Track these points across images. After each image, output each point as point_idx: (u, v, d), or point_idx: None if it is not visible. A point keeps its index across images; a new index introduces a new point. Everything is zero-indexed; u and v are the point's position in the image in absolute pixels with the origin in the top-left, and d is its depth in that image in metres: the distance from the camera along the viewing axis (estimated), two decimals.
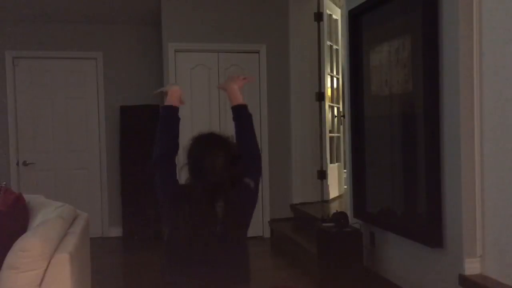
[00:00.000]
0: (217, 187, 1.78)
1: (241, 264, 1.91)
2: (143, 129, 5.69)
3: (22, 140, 5.82)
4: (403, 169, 3.41)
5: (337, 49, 6.16)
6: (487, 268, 2.75)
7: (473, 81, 2.78)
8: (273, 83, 5.69)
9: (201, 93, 5.59)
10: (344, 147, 5.66)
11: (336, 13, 6.13)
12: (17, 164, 5.78)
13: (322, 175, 5.74)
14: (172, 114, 2.12)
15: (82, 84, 5.99)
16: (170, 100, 2.15)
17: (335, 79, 6.11)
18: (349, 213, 3.99)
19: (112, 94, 5.99)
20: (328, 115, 5.90)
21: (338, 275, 3.59)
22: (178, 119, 2.12)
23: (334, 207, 5.28)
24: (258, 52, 5.68)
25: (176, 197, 1.85)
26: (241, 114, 2.13)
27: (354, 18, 3.92)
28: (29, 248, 2.26)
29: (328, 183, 5.78)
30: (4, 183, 3.98)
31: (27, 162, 5.80)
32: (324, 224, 3.81)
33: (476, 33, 2.77)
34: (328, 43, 5.83)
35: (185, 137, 5.69)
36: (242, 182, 1.89)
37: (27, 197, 3.09)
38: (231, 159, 1.85)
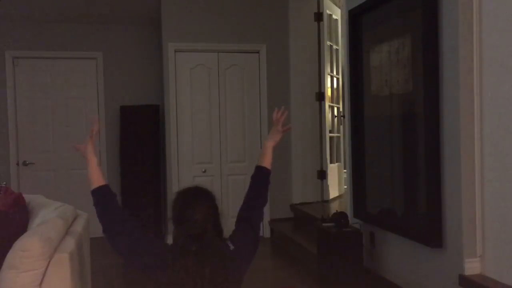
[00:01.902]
0: (200, 236, 1.77)
1: None
2: (143, 129, 5.69)
3: (22, 140, 5.82)
4: (403, 169, 3.41)
5: (337, 49, 6.16)
6: (487, 268, 2.75)
7: (473, 81, 2.78)
8: (273, 83, 5.69)
9: (201, 93, 5.59)
10: (344, 147, 5.66)
11: (336, 13, 6.13)
12: (17, 164, 5.78)
13: (322, 175, 5.74)
14: (106, 198, 1.98)
15: (82, 84, 5.99)
16: (93, 179, 2.01)
17: (335, 79, 6.11)
18: (349, 213, 3.99)
19: (112, 94, 5.99)
20: (328, 115, 5.90)
21: (338, 275, 3.59)
22: (114, 196, 2.00)
23: (334, 207, 5.28)
24: (258, 52, 5.68)
25: (160, 257, 1.82)
26: (262, 179, 2.15)
27: (354, 18, 3.92)
28: (29, 248, 2.26)
29: (328, 183, 5.78)
30: (4, 183, 3.99)
31: (27, 162, 5.80)
32: (324, 224, 3.81)
33: (476, 33, 2.77)
34: (328, 43, 5.83)
35: (185, 136, 5.71)
36: (224, 243, 1.88)
37: (27, 197, 3.09)
38: (213, 209, 1.87)
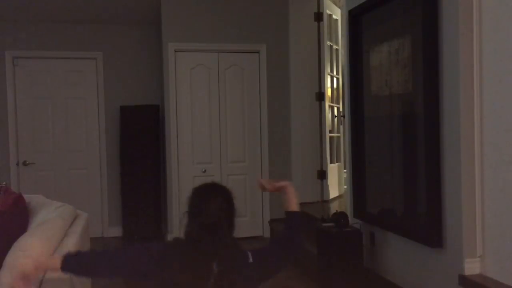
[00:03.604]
0: (213, 226, 1.79)
1: None
2: (143, 129, 5.69)
3: (22, 140, 5.82)
4: (403, 169, 3.41)
5: (337, 49, 6.15)
6: (487, 268, 2.75)
7: (473, 81, 2.78)
8: (273, 83, 5.69)
9: (201, 93, 5.59)
10: (344, 147, 5.65)
11: (336, 13, 6.13)
12: (17, 164, 5.78)
13: (322, 175, 5.73)
14: (77, 261, 1.82)
15: (82, 84, 5.99)
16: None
17: (335, 79, 6.11)
18: (349, 213, 3.99)
19: (112, 94, 5.98)
20: (328, 115, 5.90)
21: (338, 275, 3.58)
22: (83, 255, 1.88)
23: (334, 207, 5.28)
24: (258, 52, 5.67)
25: (164, 257, 1.81)
26: (295, 223, 2.05)
27: (354, 18, 3.92)
28: (29, 248, 2.26)
29: (328, 183, 5.78)
30: (4, 183, 3.98)
31: (27, 162, 5.80)
32: (324, 224, 3.81)
33: (476, 32, 2.77)
34: (328, 43, 5.83)
35: (185, 136, 5.73)
36: (242, 250, 1.89)
37: (27, 197, 3.10)
38: (228, 202, 1.88)
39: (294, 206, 2.05)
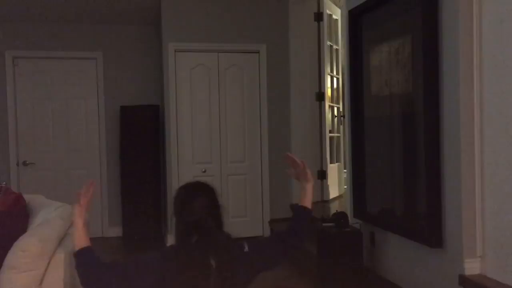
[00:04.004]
0: (198, 223, 1.80)
1: None
2: (143, 129, 5.69)
3: (22, 140, 5.83)
4: (403, 169, 3.41)
5: (337, 49, 6.16)
6: (487, 268, 2.75)
7: (473, 81, 2.78)
8: (273, 83, 5.69)
9: (201, 93, 5.59)
10: (344, 147, 5.66)
11: (336, 13, 6.13)
12: (17, 164, 5.78)
13: (322, 175, 5.74)
14: (89, 261, 1.85)
15: (82, 84, 6.00)
16: (76, 241, 1.91)
17: (335, 79, 6.11)
18: (349, 213, 3.99)
19: (112, 94, 5.99)
20: (328, 115, 5.90)
21: (338, 275, 3.59)
22: (97, 260, 1.87)
23: (334, 207, 5.28)
24: (258, 52, 5.67)
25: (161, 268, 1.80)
26: (303, 218, 2.14)
27: (354, 18, 3.92)
28: (29, 248, 2.26)
29: (328, 183, 5.78)
30: (4, 183, 3.99)
31: (27, 162, 5.80)
32: (324, 224, 3.81)
33: (476, 32, 2.77)
34: (328, 43, 5.83)
35: (185, 137, 5.71)
36: (236, 241, 1.91)
37: (27, 197, 3.10)
38: (211, 199, 1.90)
39: (307, 203, 2.15)
